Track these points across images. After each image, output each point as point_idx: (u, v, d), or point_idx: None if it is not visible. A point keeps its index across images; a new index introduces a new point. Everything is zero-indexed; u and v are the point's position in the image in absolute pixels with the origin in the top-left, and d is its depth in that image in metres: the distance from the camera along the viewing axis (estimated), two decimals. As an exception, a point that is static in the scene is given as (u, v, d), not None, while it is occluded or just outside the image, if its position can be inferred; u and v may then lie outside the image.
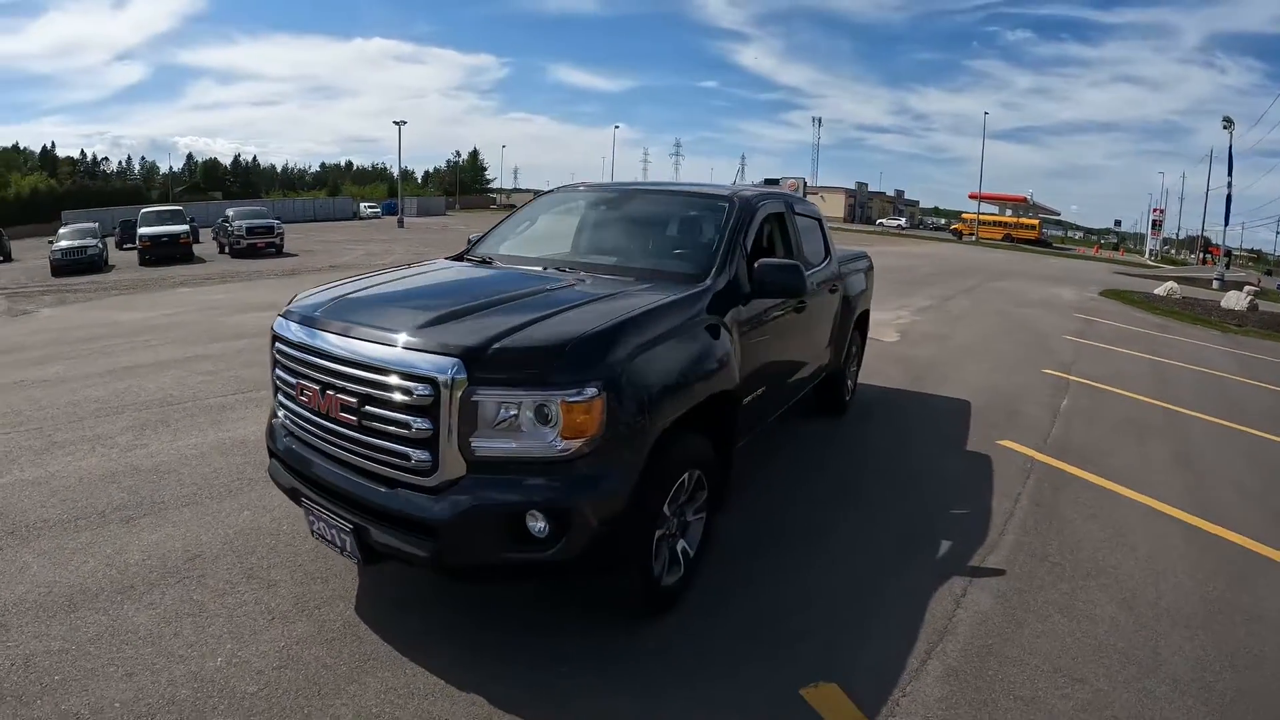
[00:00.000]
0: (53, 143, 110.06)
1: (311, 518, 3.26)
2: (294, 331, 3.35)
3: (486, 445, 2.82)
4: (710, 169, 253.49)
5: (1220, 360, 12.20)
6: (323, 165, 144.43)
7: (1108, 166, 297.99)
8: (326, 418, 3.15)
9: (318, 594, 3.60)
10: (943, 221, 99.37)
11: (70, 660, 3.08)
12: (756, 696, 3.01)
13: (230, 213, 33.81)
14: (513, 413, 2.81)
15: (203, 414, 6.50)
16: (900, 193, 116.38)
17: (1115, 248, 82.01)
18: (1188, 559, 4.46)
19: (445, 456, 2.83)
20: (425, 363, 2.85)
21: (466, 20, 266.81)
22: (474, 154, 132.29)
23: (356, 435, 3.05)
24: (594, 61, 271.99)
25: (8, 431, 6.04)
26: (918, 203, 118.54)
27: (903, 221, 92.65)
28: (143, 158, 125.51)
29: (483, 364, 2.80)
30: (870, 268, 7.93)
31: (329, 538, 3.18)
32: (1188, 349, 13.10)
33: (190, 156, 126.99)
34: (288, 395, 3.40)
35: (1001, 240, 68.77)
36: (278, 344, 3.45)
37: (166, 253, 28.20)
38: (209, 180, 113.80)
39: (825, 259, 6.17)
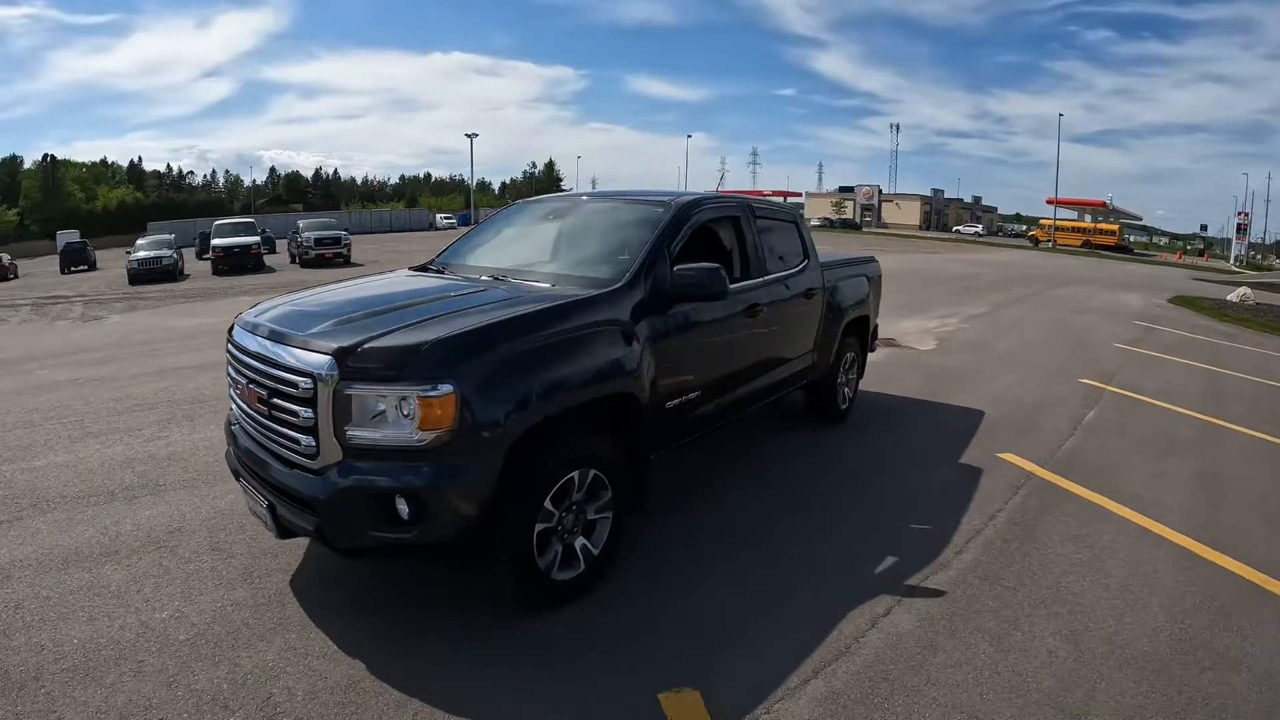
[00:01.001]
0: (140, 157, 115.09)
1: (247, 496, 3.74)
2: (236, 336, 3.86)
3: (358, 433, 3.18)
4: (787, 177, 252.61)
5: (1287, 371, 11.32)
6: (402, 178, 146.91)
7: (1194, 169, 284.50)
8: (251, 408, 3.65)
9: (264, 566, 4.08)
10: (1023, 228, 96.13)
11: (51, 606, 3.72)
12: (614, 695, 3.07)
13: (301, 224, 34.84)
14: (379, 405, 3.16)
15: (225, 411, 6.58)
16: (977, 199, 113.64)
17: (1201, 253, 78.38)
18: (1170, 589, 4.03)
19: (325, 442, 3.22)
20: (309, 361, 3.28)
21: (544, 33, 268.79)
22: (549, 165, 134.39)
23: (267, 423, 3.53)
24: (671, 71, 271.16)
25: (54, 422, 6.97)
26: (996, 209, 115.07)
27: (979, 228, 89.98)
28: (227, 171, 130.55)
29: (352, 362, 3.19)
30: (875, 275, 7.62)
31: (257, 513, 3.63)
32: (1252, 359, 12.20)
33: (273, 170, 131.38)
34: (231, 390, 3.94)
35: (1080, 246, 66.28)
36: (228, 346, 3.94)
37: (238, 263, 29.12)
38: (290, 193, 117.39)
39: (801, 264, 5.96)
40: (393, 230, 76.01)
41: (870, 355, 7.66)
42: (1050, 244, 67.30)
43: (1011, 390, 8.50)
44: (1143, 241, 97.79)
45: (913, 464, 5.87)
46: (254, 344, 3.64)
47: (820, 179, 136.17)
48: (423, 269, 5.19)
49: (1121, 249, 69.18)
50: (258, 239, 30.73)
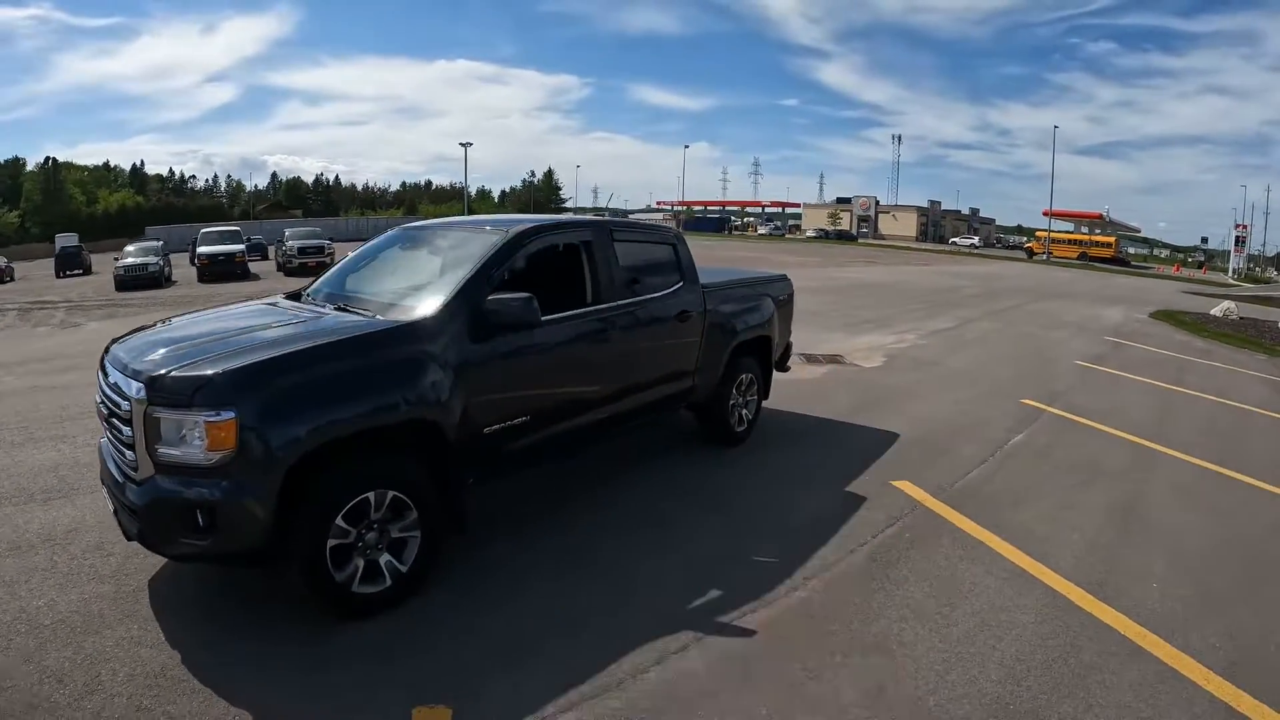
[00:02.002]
0: (142, 161, 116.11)
1: (107, 502, 4.09)
2: (102, 361, 4.20)
3: (164, 451, 3.50)
4: (787, 188, 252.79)
5: (1253, 390, 10.82)
6: (403, 185, 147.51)
7: (1197, 181, 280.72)
8: (105, 424, 4.04)
9: (135, 565, 4.39)
10: (1023, 240, 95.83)
11: None
12: (369, 704, 3.21)
13: (287, 233, 35.04)
14: (179, 428, 3.48)
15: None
16: (975, 210, 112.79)
17: (1200, 266, 77.78)
18: (1022, 643, 3.61)
19: (140, 457, 3.56)
20: (129, 386, 3.66)
21: (548, 42, 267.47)
22: (548, 173, 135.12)
23: (111, 437, 3.96)
24: (675, 80, 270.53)
25: (1, 428, 7.26)
26: (994, 221, 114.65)
27: (976, 240, 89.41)
28: (229, 175, 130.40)
29: (157, 388, 3.54)
30: (783, 294, 7.30)
31: (115, 519, 3.95)
32: (1219, 377, 11.74)
33: (275, 175, 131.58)
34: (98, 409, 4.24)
35: (1076, 259, 65.65)
36: (98, 370, 4.25)
37: (223, 270, 29.24)
38: (291, 198, 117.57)
39: (673, 286, 5.82)
40: (389, 239, 75.84)
41: (808, 373, 7.34)
42: (1045, 256, 66.73)
43: (942, 411, 8.10)
44: (1142, 254, 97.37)
45: (790, 490, 5.53)
46: (106, 368, 4.06)
47: (821, 190, 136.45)
48: (293, 295, 5.43)
49: (1118, 261, 68.48)
50: (242, 247, 31.04)
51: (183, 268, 33.05)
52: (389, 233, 6.08)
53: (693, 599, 3.98)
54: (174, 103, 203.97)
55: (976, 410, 8.22)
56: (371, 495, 3.78)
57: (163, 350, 3.92)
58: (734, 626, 3.71)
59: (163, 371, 3.61)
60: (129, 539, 3.81)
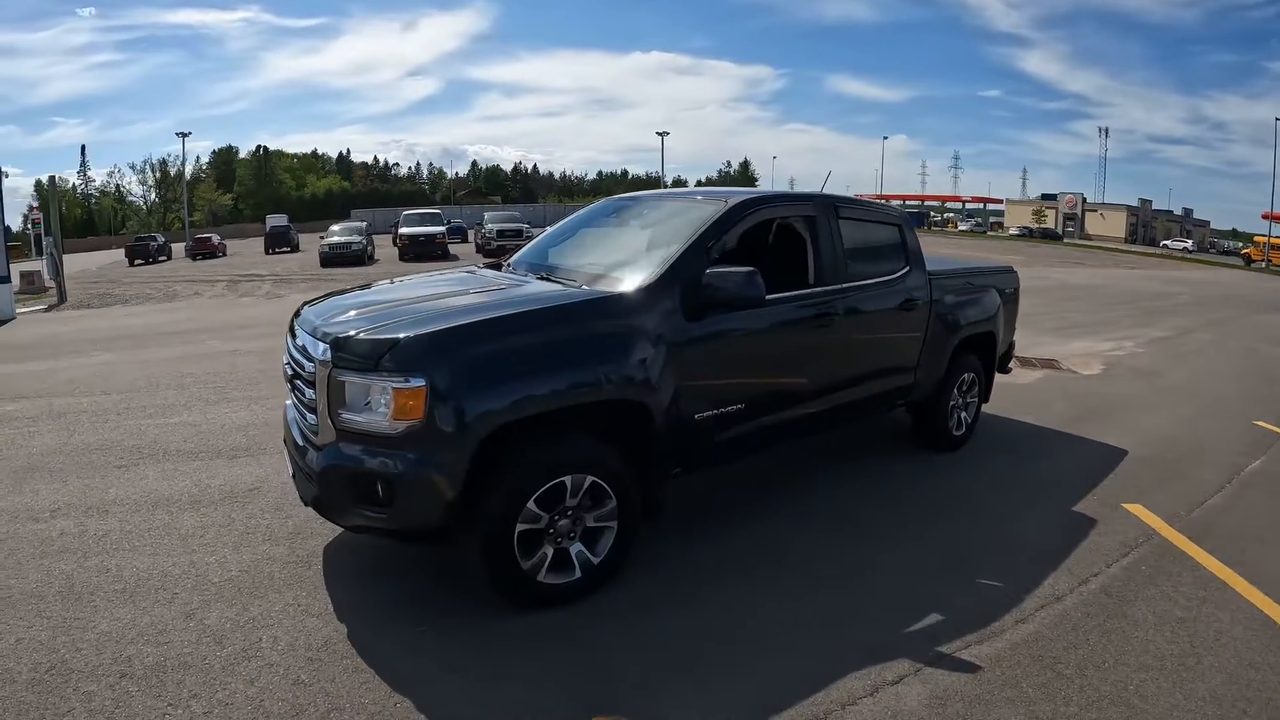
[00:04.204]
0: (348, 149, 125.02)
1: (287, 464, 4.11)
2: (291, 324, 4.17)
3: (347, 417, 3.38)
4: (989, 183, 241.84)
5: None
6: (600, 174, 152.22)
7: None
8: (290, 386, 4.01)
9: (313, 530, 4.50)
10: (1239, 246, 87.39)
11: (129, 539, 4.47)
12: (542, 714, 3.01)
13: (486, 216, 37.47)
14: (364, 393, 3.35)
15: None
16: (1188, 211, 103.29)
17: None
18: (1274, 709, 3.21)
19: (323, 422, 3.48)
20: (315, 348, 3.58)
21: (742, 33, 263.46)
22: (744, 164, 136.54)
23: (296, 400, 3.94)
24: (872, 71, 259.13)
25: (201, 385, 8.05)
26: (1209, 223, 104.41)
27: (1189, 244, 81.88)
28: (431, 163, 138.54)
29: (343, 350, 3.42)
30: (1010, 287, 6.94)
31: (294, 481, 3.94)
32: None
33: (474, 163, 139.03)
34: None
35: (1302, 269, 59.08)
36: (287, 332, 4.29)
37: (423, 250, 31.47)
38: (490, 185, 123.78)
39: (901, 270, 5.49)
40: (586, 224, 78.17)
41: (1023, 377, 7.01)
42: (1265, 264, 60.54)
43: (1167, 427, 7.56)
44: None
45: (1013, 505, 5.27)
46: (297, 329, 4.01)
47: (1024, 186, 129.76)
48: (493, 264, 5.38)
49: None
50: (443, 229, 33.12)
51: (385, 248, 35.49)
52: (596, 204, 5.87)
53: (908, 622, 3.72)
54: (377, 96, 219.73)
55: (1205, 429, 7.61)
56: (569, 480, 3.56)
57: (353, 313, 3.83)
58: (956, 660, 3.42)
59: (351, 333, 3.48)
60: (305, 504, 3.77)
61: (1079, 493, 5.58)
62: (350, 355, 3.39)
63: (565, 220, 5.85)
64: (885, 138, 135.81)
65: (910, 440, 6.53)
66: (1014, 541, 4.73)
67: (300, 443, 3.77)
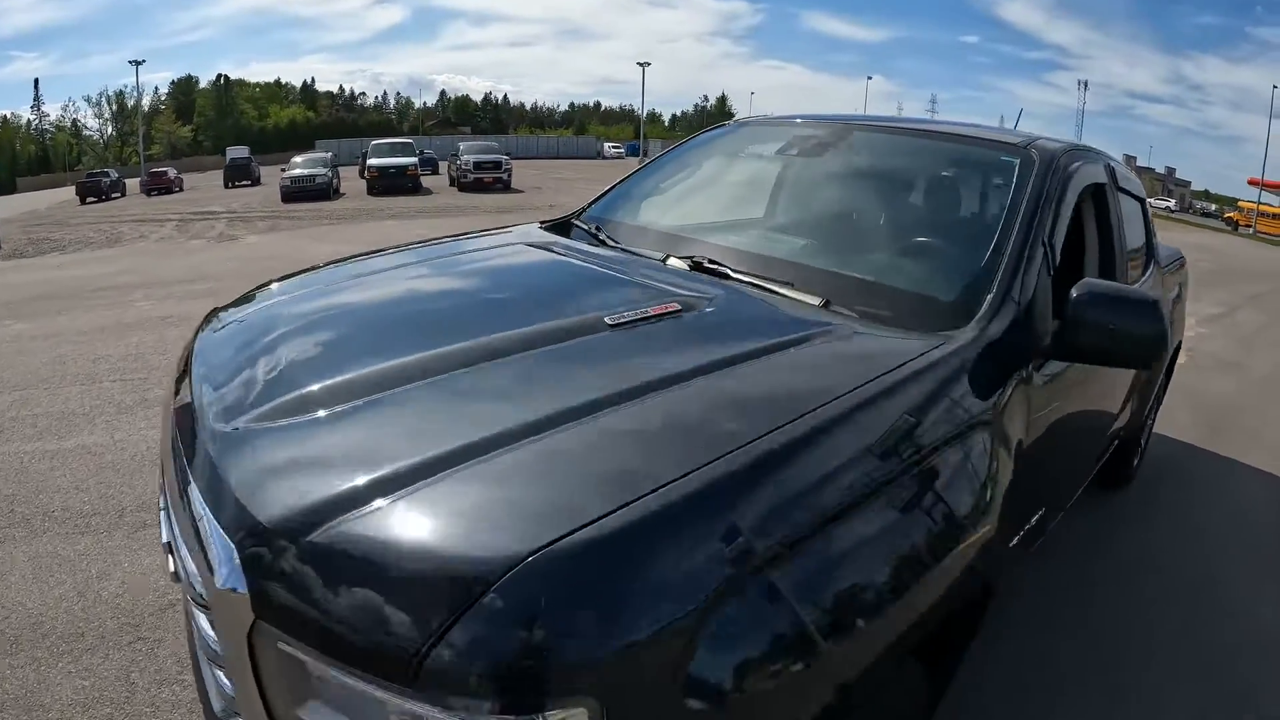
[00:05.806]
0: (312, 78, 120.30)
1: None
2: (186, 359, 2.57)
3: None
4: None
5: None
6: (572, 105, 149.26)
7: None
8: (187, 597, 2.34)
9: None
10: (1212, 207, 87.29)
11: None
12: None
13: (461, 147, 34.74)
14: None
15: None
16: (1171, 170, 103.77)
17: None
18: None
19: None
20: (215, 543, 1.54)
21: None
22: (722, 99, 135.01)
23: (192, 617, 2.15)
24: (851, 8, 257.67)
25: (112, 380, 6.21)
26: (1189, 184, 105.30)
27: (1172, 204, 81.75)
28: (398, 93, 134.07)
29: (265, 601, 1.27)
30: (1183, 282, 5.34)
31: None
32: None
33: (443, 93, 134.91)
34: None
35: (1288, 236, 58.74)
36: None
37: (393, 183, 29.32)
38: (459, 116, 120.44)
39: (1148, 268, 3.89)
40: (559, 157, 76.62)
41: None
42: (1251, 230, 60.07)
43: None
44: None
45: (1244, 587, 3.93)
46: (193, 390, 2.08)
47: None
48: (561, 228, 3.06)
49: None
50: (415, 160, 30.90)
51: (352, 180, 33.24)
52: (719, 133, 3.62)
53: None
54: (343, 24, 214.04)
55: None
56: None
57: (321, 412, 1.58)
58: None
59: (305, 540, 1.26)
60: None
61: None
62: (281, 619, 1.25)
63: (676, 156, 3.54)
64: (870, 78, 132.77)
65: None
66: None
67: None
